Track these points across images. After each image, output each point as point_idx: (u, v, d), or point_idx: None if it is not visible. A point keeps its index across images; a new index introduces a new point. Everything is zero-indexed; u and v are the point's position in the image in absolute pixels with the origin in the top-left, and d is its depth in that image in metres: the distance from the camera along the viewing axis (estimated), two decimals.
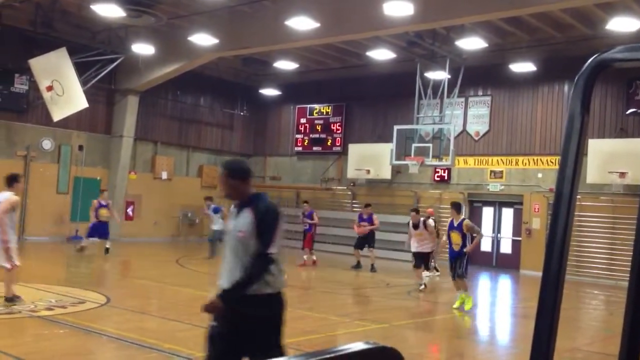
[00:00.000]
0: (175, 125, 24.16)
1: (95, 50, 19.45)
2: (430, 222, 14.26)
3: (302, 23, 15.50)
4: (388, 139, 19.97)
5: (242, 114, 26.31)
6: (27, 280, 11.53)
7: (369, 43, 18.50)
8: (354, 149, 22.27)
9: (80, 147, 21.49)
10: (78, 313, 8.74)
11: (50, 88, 17.67)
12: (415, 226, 13.57)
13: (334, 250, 21.43)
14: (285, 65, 21.50)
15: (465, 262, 10.78)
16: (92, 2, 15.70)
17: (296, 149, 25.19)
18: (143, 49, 19.22)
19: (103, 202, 17.28)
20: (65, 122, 19.07)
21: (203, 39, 17.88)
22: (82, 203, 21.29)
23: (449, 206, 11.64)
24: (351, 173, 22.29)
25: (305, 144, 24.87)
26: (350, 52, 20.18)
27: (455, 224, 10.82)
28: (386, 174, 21.43)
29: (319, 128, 24.52)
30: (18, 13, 17.71)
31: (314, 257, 17.76)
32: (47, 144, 20.61)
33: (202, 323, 8.24)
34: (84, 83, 18.45)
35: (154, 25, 17.74)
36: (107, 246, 16.88)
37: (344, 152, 23.05)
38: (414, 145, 18.72)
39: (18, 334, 7.46)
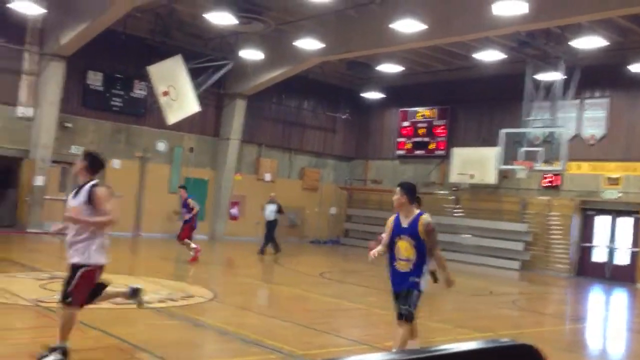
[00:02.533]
0: (279, 128, 24.76)
1: (206, 57, 20.36)
2: None
3: (408, 25, 15.39)
4: (494, 143, 19.37)
5: (344, 117, 26.50)
6: (143, 273, 12.28)
7: (475, 44, 18.06)
8: (458, 153, 21.78)
9: (191, 149, 22.57)
10: (188, 306, 9.16)
11: (166, 93, 18.70)
12: None
13: None
14: (389, 68, 21.42)
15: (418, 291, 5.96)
16: (206, 11, 16.45)
17: (398, 152, 25.02)
18: (251, 54, 19.89)
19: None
20: (178, 125, 20.08)
21: (309, 44, 18.22)
22: None
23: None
24: (454, 177, 21.81)
25: (408, 147, 24.65)
26: (456, 53, 19.79)
27: (406, 224, 5.96)
28: (491, 178, 20.78)
29: (422, 131, 24.23)
30: (139, 22, 18.89)
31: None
32: (161, 146, 21.81)
33: (301, 321, 8.44)
34: (196, 88, 19.35)
35: (262, 31, 18.32)
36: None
37: (447, 156, 22.60)
38: (522, 149, 18.03)
39: (134, 323, 7.93)
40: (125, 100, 20.75)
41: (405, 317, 5.94)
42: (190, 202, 15.30)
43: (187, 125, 20.96)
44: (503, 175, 20.64)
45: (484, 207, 21.25)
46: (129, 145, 21.14)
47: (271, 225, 18.26)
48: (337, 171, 26.82)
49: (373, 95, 24.97)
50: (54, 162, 19.27)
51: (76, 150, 20.07)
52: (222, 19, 16.45)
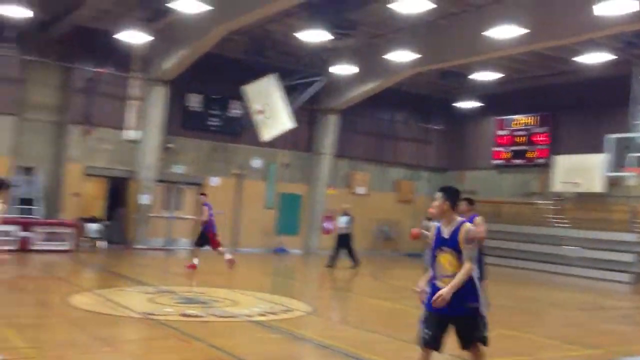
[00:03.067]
0: (372, 141, 24.75)
1: (299, 74, 20.75)
2: None
3: (505, 31, 14.97)
4: (600, 149, 18.36)
5: (437, 128, 26.10)
6: (243, 287, 12.59)
7: (577, 46, 17.25)
8: (561, 161, 20.81)
9: (287, 165, 23.02)
10: (287, 320, 9.27)
11: (260, 111, 19.22)
12: None
13: (532, 267, 20.33)
14: (484, 76, 20.89)
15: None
16: (299, 30, 16.80)
17: (495, 162, 24.28)
18: (343, 69, 20.06)
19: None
20: (272, 142, 20.54)
21: (402, 56, 18.15)
22: (286, 217, 22.84)
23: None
24: (558, 186, 20.85)
25: (505, 156, 23.87)
26: (555, 57, 19.01)
27: (447, 235, 5.23)
28: (597, 186, 19.67)
29: (520, 139, 23.42)
30: (234, 45, 19.59)
31: None
32: (256, 163, 22.40)
33: (400, 335, 8.31)
34: (289, 105, 19.75)
35: (354, 46, 18.45)
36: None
37: (548, 164, 21.66)
38: (631, 154, 16.98)
39: (236, 336, 8.12)
40: (223, 120, 21.54)
41: (482, 340, 5.31)
42: (204, 209, 15.06)
43: (281, 141, 21.38)
44: (611, 182, 19.49)
45: (590, 217, 20.12)
46: (226, 163, 21.87)
47: (345, 238, 18.01)
48: (432, 183, 26.39)
49: (467, 104, 24.44)
50: (158, 181, 20.27)
51: (177, 169, 21.09)
52: (315, 36, 16.72)
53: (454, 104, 24.85)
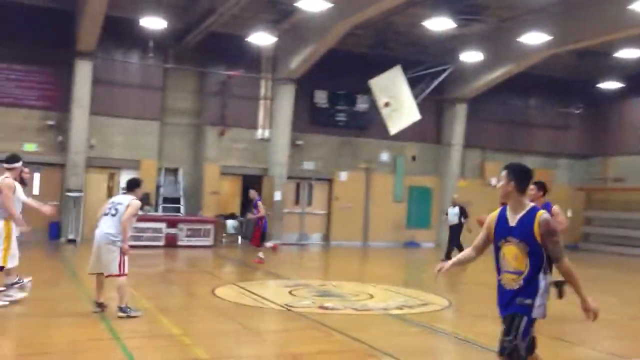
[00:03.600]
0: (504, 130, 23.75)
1: (424, 64, 20.38)
2: None
3: None
4: None
5: (577, 112, 24.51)
6: (377, 281, 12.59)
7: None
8: None
9: (413, 158, 22.73)
10: (425, 313, 9.13)
11: (387, 104, 19.13)
12: None
13: None
14: (628, 54, 19.25)
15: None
16: (424, 19, 16.49)
17: None
18: (471, 56, 19.41)
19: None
20: (400, 135, 20.35)
21: (534, 38, 17.22)
22: (415, 211, 22.56)
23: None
24: None
25: None
26: None
27: (514, 222, 4.33)
28: None
29: None
30: (358, 39, 19.65)
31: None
32: (384, 156, 22.33)
33: (545, 332, 7.84)
34: (415, 96, 19.47)
35: (481, 31, 17.79)
36: None
37: None
38: None
39: (375, 329, 8.12)
40: (349, 115, 21.70)
41: (509, 353, 4.17)
42: (259, 205, 14.83)
43: (409, 134, 21.11)
44: None
45: None
46: (353, 157, 22.01)
47: (455, 230, 17.24)
48: (572, 171, 24.86)
49: (610, 85, 22.68)
50: (289, 177, 20.86)
51: (307, 165, 21.55)
52: (440, 25, 16.33)
53: (594, 86, 23.18)
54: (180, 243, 17.57)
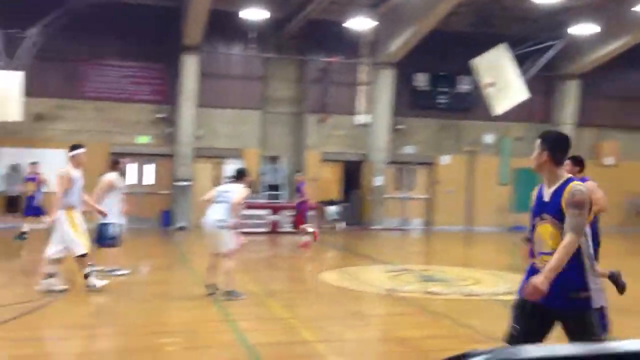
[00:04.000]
0: (621, 106, 22.20)
1: (532, 40, 19.41)
2: None
3: None
4: None
5: None
6: (481, 266, 12.23)
7: None
8: None
9: (519, 139, 21.78)
10: None
11: (491, 84, 18.42)
12: None
13: None
14: None
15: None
16: None
17: None
18: (583, 29, 18.25)
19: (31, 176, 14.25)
20: (505, 115, 19.52)
21: None
22: (522, 194, 21.61)
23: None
24: None
25: None
26: None
27: (548, 197, 3.82)
28: None
29: None
30: (460, 18, 19.07)
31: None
32: (488, 138, 21.58)
33: None
34: (522, 74, 18.61)
35: (594, 2, 16.68)
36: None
37: None
38: None
39: (483, 315, 7.88)
40: (451, 97, 21.15)
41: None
42: (302, 189, 14.62)
43: (514, 114, 20.19)
44: None
45: None
46: (456, 140, 21.46)
47: None
48: None
49: None
50: (389, 162, 20.69)
51: (409, 150, 21.27)
52: None
53: None
54: (283, 229, 17.96)
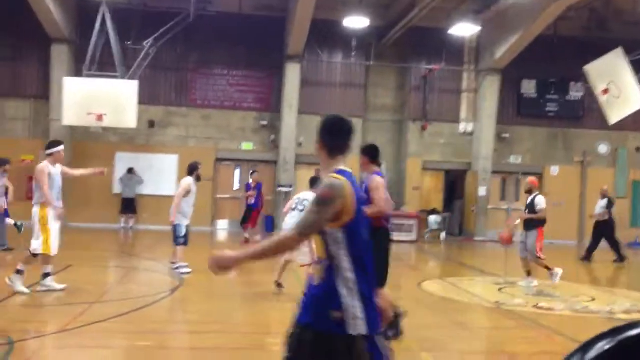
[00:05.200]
0: None
1: None
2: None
3: None
4: None
5: None
6: (598, 283, 11.47)
7: None
8: None
9: (638, 149, 20.40)
10: None
11: (606, 91, 17.35)
12: None
13: None
14: None
15: None
16: None
17: None
18: None
19: None
20: (621, 124, 18.34)
21: None
22: None
23: None
24: None
25: None
26: None
27: None
28: None
29: None
30: (570, 23, 18.17)
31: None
32: (602, 148, 20.36)
33: None
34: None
35: None
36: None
37: None
38: None
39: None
40: (561, 104, 20.16)
41: None
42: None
43: (632, 123, 18.97)
44: None
45: None
46: (566, 150, 20.41)
47: (604, 226, 14.65)
48: None
49: None
50: (494, 172, 19.99)
51: (514, 159, 20.47)
52: None
53: None
54: None
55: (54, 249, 7.80)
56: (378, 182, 5.67)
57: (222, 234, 18.85)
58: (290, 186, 19.10)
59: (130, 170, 18.04)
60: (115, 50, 17.10)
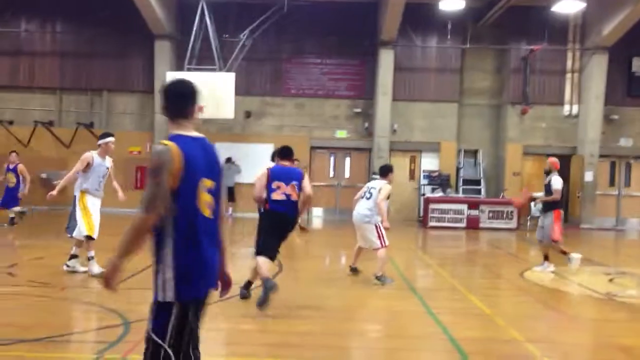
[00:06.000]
0: None
1: None
2: None
3: None
4: None
5: None
6: None
7: None
8: None
9: None
10: None
11: None
12: None
13: None
14: None
15: None
16: None
17: None
18: None
19: (11, 166, 13.72)
20: None
21: None
22: None
23: None
24: None
25: None
26: None
27: None
28: None
29: None
30: None
31: None
32: None
33: None
34: None
35: None
36: (11, 215, 13.62)
37: None
38: None
39: None
40: None
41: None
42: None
43: None
44: None
45: None
46: None
47: None
48: None
49: None
50: (601, 156, 18.88)
51: (625, 142, 19.22)
52: None
53: None
54: (481, 225, 17.31)
55: (95, 232, 8.14)
56: (258, 174, 7.04)
57: (317, 222, 19.05)
58: None
59: (229, 160, 18.58)
60: (213, 43, 17.65)
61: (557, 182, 9.68)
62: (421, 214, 18.41)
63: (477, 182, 19.18)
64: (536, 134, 19.37)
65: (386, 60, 18.81)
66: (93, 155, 8.22)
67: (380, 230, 8.27)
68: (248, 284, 7.06)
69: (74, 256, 8.29)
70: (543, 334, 6.23)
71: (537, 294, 8.28)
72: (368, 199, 8.37)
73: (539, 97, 19.11)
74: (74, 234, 8.34)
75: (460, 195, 18.63)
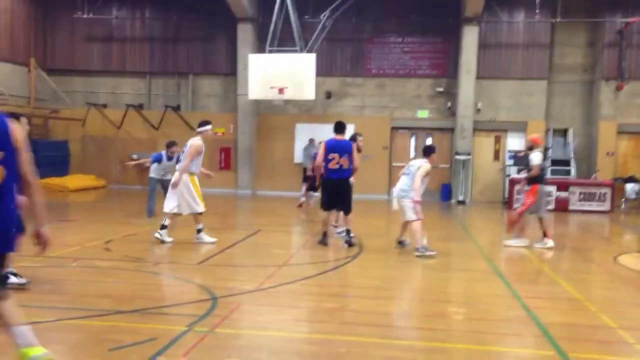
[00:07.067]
0: None
1: None
2: None
3: None
4: None
5: None
6: None
7: None
8: None
9: None
10: None
11: None
12: None
13: None
14: None
15: None
16: None
17: None
18: None
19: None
20: None
21: None
22: None
23: None
24: None
25: None
26: None
27: None
28: None
29: None
30: None
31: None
32: None
33: None
34: None
35: None
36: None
37: None
38: None
39: None
40: None
41: None
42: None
43: None
44: None
45: None
46: None
47: None
48: None
49: None
50: None
51: None
52: None
53: None
54: (571, 207, 16.60)
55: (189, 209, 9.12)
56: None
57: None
58: (469, 154, 18.53)
59: (311, 141, 18.73)
60: (294, 25, 17.74)
61: (536, 157, 9.79)
62: (506, 195, 17.87)
63: (567, 163, 18.36)
64: (632, 112, 18.29)
65: (470, 37, 18.26)
66: (202, 144, 9.14)
67: (415, 205, 8.79)
68: (324, 235, 9.29)
69: (164, 227, 9.13)
70: (637, 322, 5.92)
71: (632, 280, 7.87)
72: (407, 175, 8.99)
73: (636, 73, 18.01)
74: (171, 210, 9.09)
75: (549, 176, 17.89)
